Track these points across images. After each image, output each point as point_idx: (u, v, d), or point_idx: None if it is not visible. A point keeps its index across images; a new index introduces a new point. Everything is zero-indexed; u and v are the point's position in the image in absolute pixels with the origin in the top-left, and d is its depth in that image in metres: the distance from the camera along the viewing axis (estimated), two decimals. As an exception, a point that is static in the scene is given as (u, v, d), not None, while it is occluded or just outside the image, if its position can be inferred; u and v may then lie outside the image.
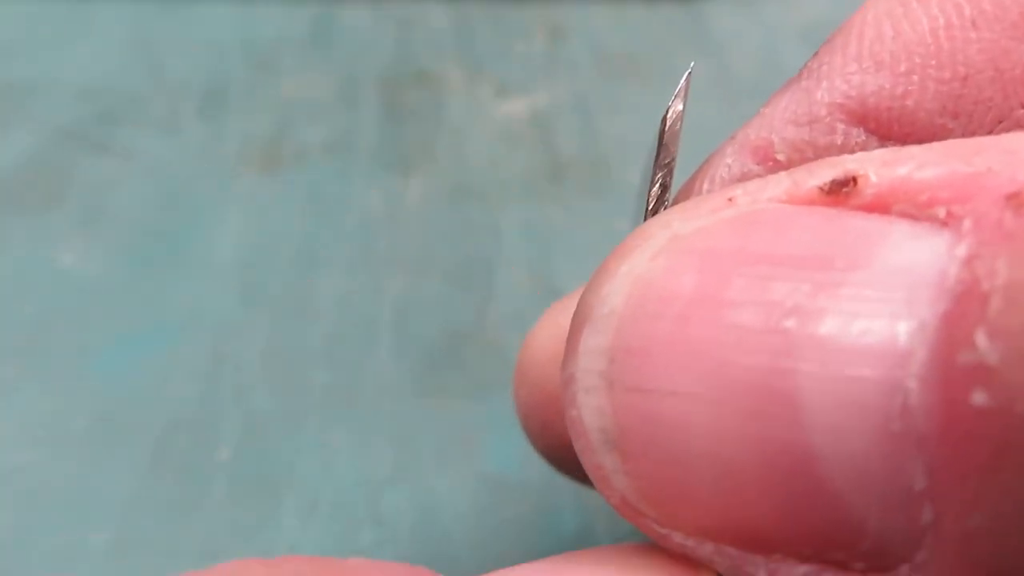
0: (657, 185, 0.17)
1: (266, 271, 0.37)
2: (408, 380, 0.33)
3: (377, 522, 0.29)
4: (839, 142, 0.16)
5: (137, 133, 0.45)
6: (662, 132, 0.17)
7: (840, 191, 0.13)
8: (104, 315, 0.35)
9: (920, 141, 0.15)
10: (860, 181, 0.13)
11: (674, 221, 0.14)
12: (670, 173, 0.17)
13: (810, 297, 0.12)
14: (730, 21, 0.54)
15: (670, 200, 0.17)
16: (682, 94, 0.18)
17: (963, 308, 0.11)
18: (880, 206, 0.13)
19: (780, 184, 0.14)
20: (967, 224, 0.12)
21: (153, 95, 0.47)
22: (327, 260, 0.38)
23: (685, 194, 0.17)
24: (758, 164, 0.16)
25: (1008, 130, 0.15)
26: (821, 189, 0.13)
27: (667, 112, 0.17)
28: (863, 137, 0.15)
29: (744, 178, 0.16)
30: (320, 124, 0.46)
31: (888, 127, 0.15)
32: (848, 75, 0.16)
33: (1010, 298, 0.11)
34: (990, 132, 0.15)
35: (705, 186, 0.16)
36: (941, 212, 0.12)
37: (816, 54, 0.17)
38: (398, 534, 0.29)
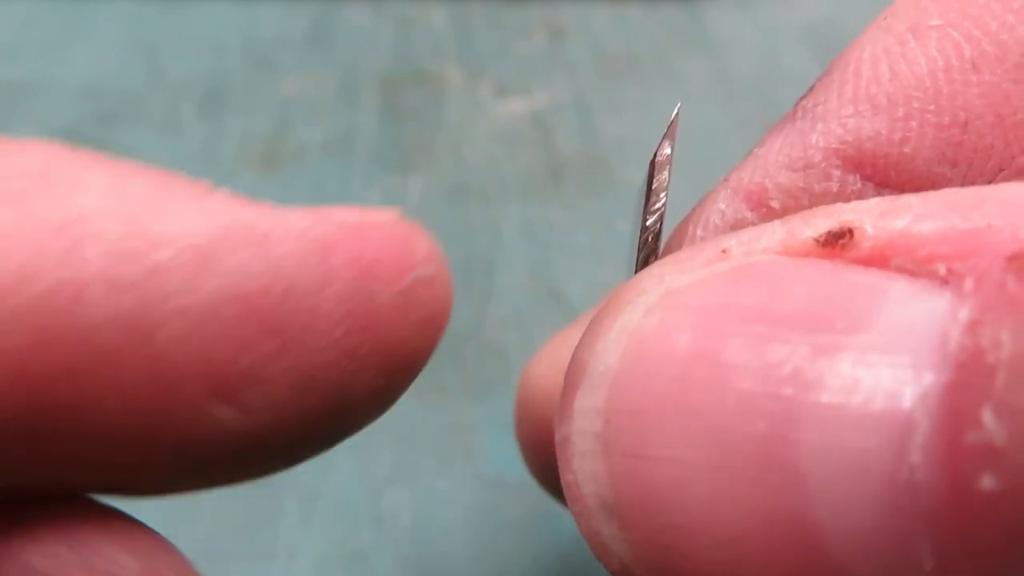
0: (648, 232, 0.16)
1: (266, 271, 0.37)
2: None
3: (377, 522, 0.29)
4: (835, 189, 0.15)
5: (137, 133, 0.45)
6: (650, 177, 0.17)
7: (836, 243, 0.13)
8: (104, 315, 0.35)
9: (918, 189, 0.14)
10: (856, 233, 0.12)
11: (667, 274, 0.14)
12: (661, 219, 0.16)
13: (810, 361, 0.12)
14: (730, 21, 0.54)
15: (662, 245, 0.17)
16: (671, 137, 0.17)
17: (968, 379, 0.11)
18: (878, 260, 0.12)
19: (775, 234, 0.13)
20: (968, 284, 0.11)
21: (153, 95, 0.47)
22: (327, 260, 0.38)
23: (678, 237, 0.16)
24: (752, 210, 0.15)
25: (1009, 179, 0.14)
26: (817, 240, 0.13)
27: (655, 156, 0.17)
28: (859, 184, 0.15)
29: (738, 225, 0.15)
30: (320, 124, 0.46)
31: (885, 174, 0.15)
32: (844, 118, 0.15)
33: (1017, 373, 0.10)
34: (990, 181, 0.14)
35: (699, 231, 0.16)
36: (941, 269, 0.11)
37: (811, 90, 0.16)
38: (398, 534, 0.29)
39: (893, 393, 0.11)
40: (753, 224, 0.15)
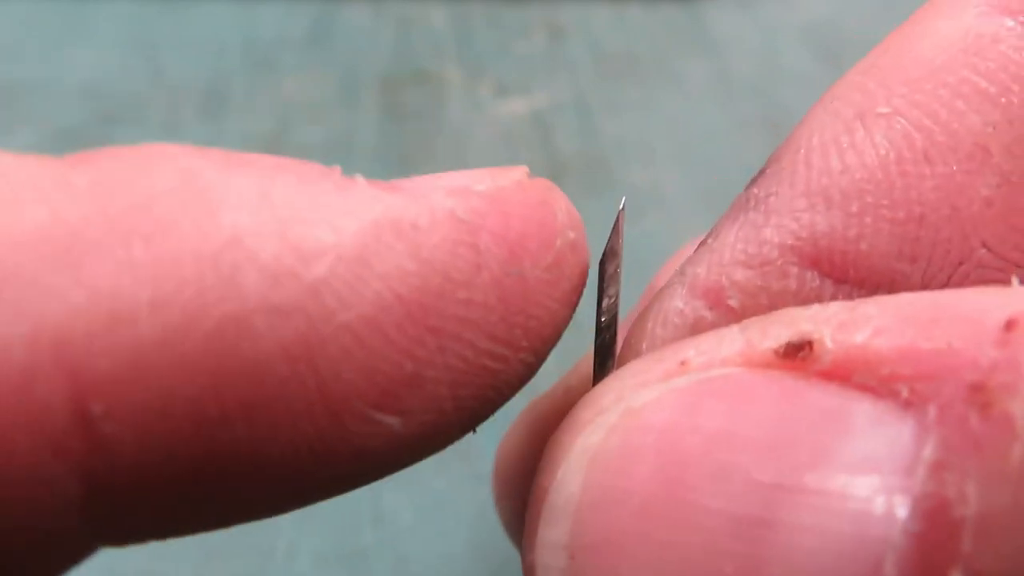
0: (603, 332, 0.16)
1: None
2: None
3: (377, 522, 0.29)
4: (793, 287, 0.15)
5: (137, 133, 0.45)
6: (601, 274, 0.16)
7: (796, 355, 0.12)
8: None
9: (877, 286, 0.14)
10: (816, 345, 0.12)
11: (627, 389, 0.13)
12: (614, 317, 0.16)
13: (774, 499, 0.11)
14: (730, 21, 0.54)
15: (618, 341, 0.16)
16: (617, 232, 0.16)
17: (935, 537, 0.10)
18: (840, 374, 0.12)
19: (733, 343, 0.13)
20: (932, 412, 0.11)
21: (153, 95, 0.47)
22: (327, 260, 0.38)
23: (636, 331, 0.16)
24: (711, 308, 0.15)
25: (969, 273, 0.14)
26: (776, 352, 0.12)
27: (604, 255, 0.16)
28: (817, 282, 0.14)
29: (697, 324, 0.15)
30: (320, 124, 0.46)
31: (843, 270, 0.14)
32: (797, 212, 0.14)
33: (984, 533, 0.10)
34: (951, 276, 0.14)
35: (657, 329, 0.15)
36: (903, 391, 0.11)
37: (762, 174, 0.16)
38: (398, 534, 0.29)
39: (861, 538, 0.11)
40: (713, 323, 0.15)
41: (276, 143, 0.44)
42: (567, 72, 0.50)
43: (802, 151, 0.15)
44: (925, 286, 0.14)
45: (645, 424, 0.13)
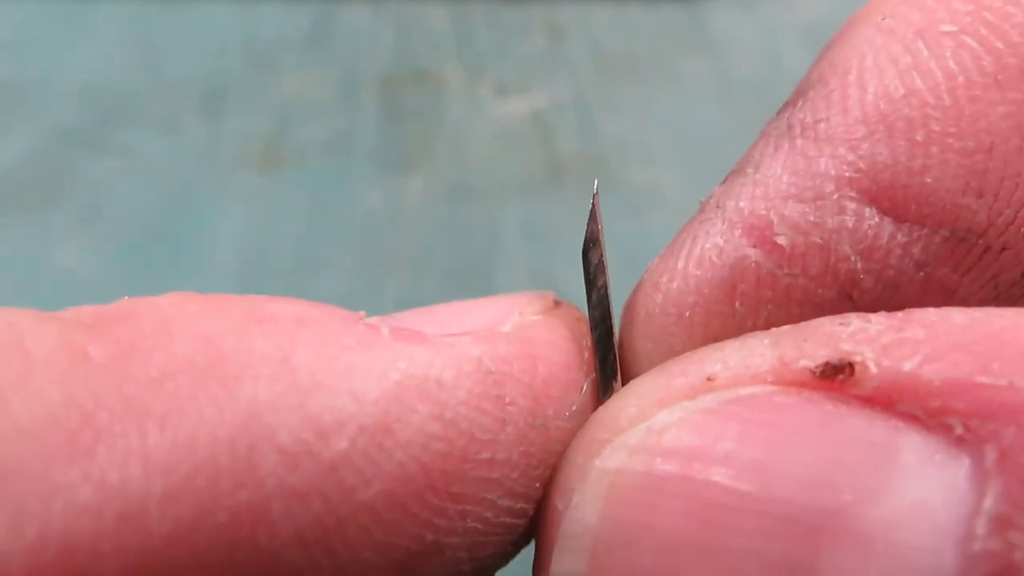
0: (596, 319, 0.15)
1: (266, 271, 0.37)
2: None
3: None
4: (850, 224, 0.13)
5: (137, 133, 0.45)
6: (585, 262, 0.15)
7: (835, 377, 0.11)
8: (104, 315, 0.35)
9: (940, 224, 0.13)
10: (858, 369, 0.11)
11: (647, 408, 0.12)
12: (606, 300, 0.15)
13: (814, 546, 0.10)
14: (730, 21, 0.54)
15: (616, 315, 0.15)
16: (595, 219, 0.15)
17: None
18: (882, 401, 0.11)
19: (764, 359, 0.12)
20: (991, 456, 0.10)
21: (153, 95, 0.47)
22: (327, 260, 0.38)
23: (663, 271, 0.14)
24: (755, 246, 0.13)
25: None
26: (813, 372, 0.11)
27: (585, 244, 0.15)
28: (876, 219, 0.13)
29: (740, 264, 0.13)
30: (320, 124, 0.46)
31: (905, 207, 0.13)
32: (855, 141, 0.13)
33: None
34: (1018, 212, 0.13)
35: (692, 269, 0.14)
36: (957, 427, 0.10)
37: (805, 97, 0.14)
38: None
39: None
40: (758, 263, 0.13)
41: (276, 143, 0.44)
42: (567, 72, 0.50)
43: (854, 72, 0.14)
44: (991, 223, 0.13)
45: (669, 449, 0.11)
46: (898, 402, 0.11)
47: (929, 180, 0.13)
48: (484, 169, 0.43)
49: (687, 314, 0.14)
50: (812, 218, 0.13)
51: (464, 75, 0.49)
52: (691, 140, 0.44)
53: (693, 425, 0.11)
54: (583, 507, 0.12)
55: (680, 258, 0.14)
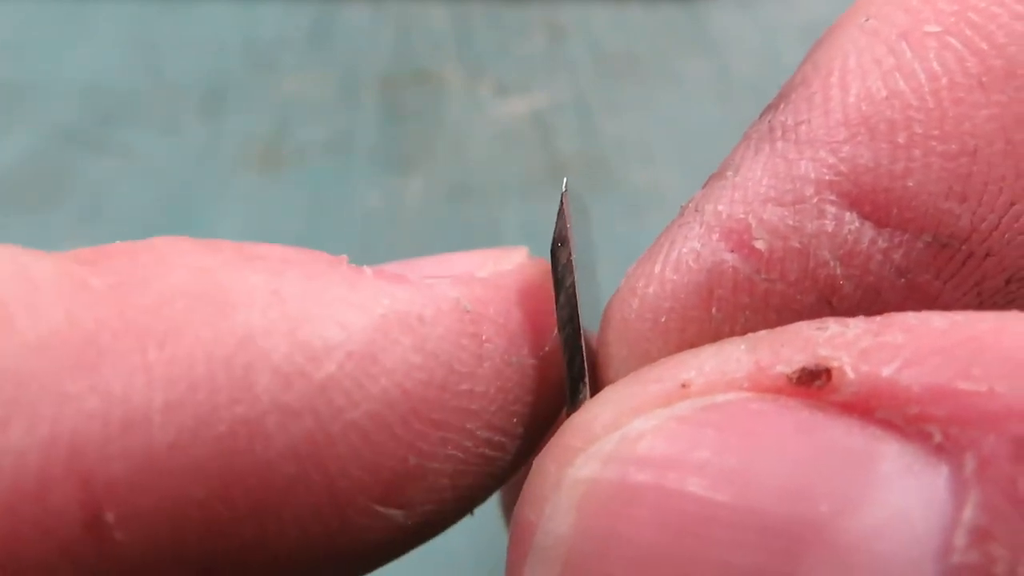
0: (563, 318, 0.14)
1: (266, 271, 0.37)
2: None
3: (377, 522, 0.29)
4: (829, 229, 0.13)
5: (137, 133, 0.45)
6: (554, 266, 0.15)
7: (812, 383, 0.11)
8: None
9: (923, 229, 0.13)
10: (835, 375, 0.11)
11: (621, 416, 0.12)
12: (574, 298, 0.15)
13: (793, 557, 0.10)
14: (730, 21, 0.54)
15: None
16: (564, 215, 0.15)
17: None
18: (860, 408, 0.11)
19: (740, 364, 0.12)
20: (970, 465, 0.10)
21: (153, 95, 0.47)
22: (327, 260, 0.38)
23: (640, 275, 0.14)
24: (733, 251, 0.13)
25: (1020, 215, 0.12)
26: (789, 378, 0.11)
27: (553, 243, 0.15)
28: (856, 224, 0.13)
29: (717, 269, 0.13)
30: (320, 124, 0.46)
31: (886, 212, 0.13)
32: (836, 144, 0.13)
33: None
34: (1002, 218, 0.12)
35: (668, 274, 0.14)
36: (936, 435, 0.10)
37: (787, 99, 0.14)
38: (398, 534, 0.29)
39: None
40: (735, 268, 0.13)
41: (276, 143, 0.44)
42: (567, 72, 0.50)
43: (836, 74, 0.13)
44: (974, 229, 0.12)
45: (643, 458, 0.11)
46: (876, 409, 0.10)
47: (911, 184, 0.13)
48: (484, 169, 0.43)
49: (663, 319, 0.14)
50: (791, 222, 0.13)
51: (464, 75, 0.49)
52: (691, 140, 0.44)
53: (667, 433, 0.11)
54: (556, 518, 0.12)
55: (657, 262, 0.14)
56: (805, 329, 0.12)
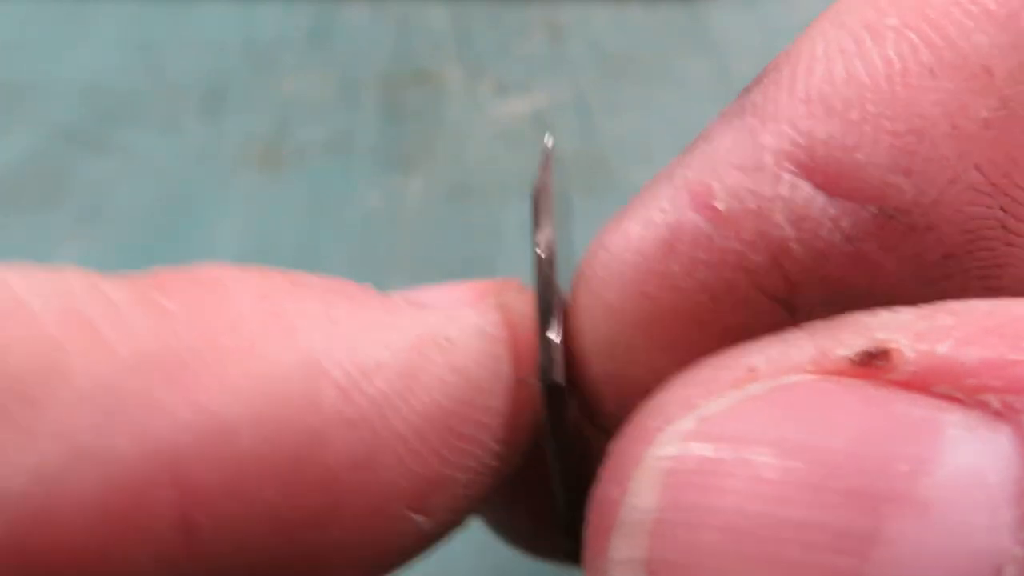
0: (542, 266, 0.16)
1: (266, 271, 0.37)
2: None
3: (377, 522, 0.29)
4: (784, 194, 0.14)
5: (137, 133, 0.45)
6: (535, 207, 0.16)
7: (872, 363, 0.12)
8: (104, 315, 0.35)
9: (869, 199, 0.14)
10: (894, 356, 0.12)
11: (694, 397, 0.13)
12: (551, 247, 0.16)
13: (875, 513, 0.11)
14: (730, 21, 0.54)
15: (560, 273, 0.16)
16: (546, 166, 0.16)
17: None
18: (919, 385, 0.11)
19: (803, 351, 0.13)
20: None
21: (153, 95, 0.47)
22: (327, 260, 0.38)
23: (612, 229, 0.16)
24: (696, 211, 0.14)
25: (959, 193, 0.13)
26: (851, 360, 0.12)
27: (534, 191, 0.16)
28: (809, 191, 0.14)
29: (679, 225, 0.14)
30: (320, 124, 0.46)
31: (836, 181, 0.14)
32: (796, 118, 0.14)
33: None
34: (941, 192, 0.14)
35: (635, 228, 0.15)
36: (994, 402, 0.11)
37: (760, 83, 0.15)
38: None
39: (973, 552, 0.10)
40: (696, 225, 0.14)
41: (276, 143, 0.44)
42: (567, 72, 0.50)
43: (804, 59, 0.15)
44: (916, 203, 0.14)
45: (724, 434, 0.12)
46: (935, 384, 0.11)
47: (860, 157, 0.14)
48: (484, 169, 0.43)
49: (625, 270, 0.15)
50: (750, 186, 0.14)
51: (464, 75, 0.49)
52: (691, 140, 0.44)
53: (743, 411, 0.12)
54: (640, 494, 0.12)
55: (626, 218, 0.15)
56: (860, 317, 0.13)
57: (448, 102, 0.47)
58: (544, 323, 0.16)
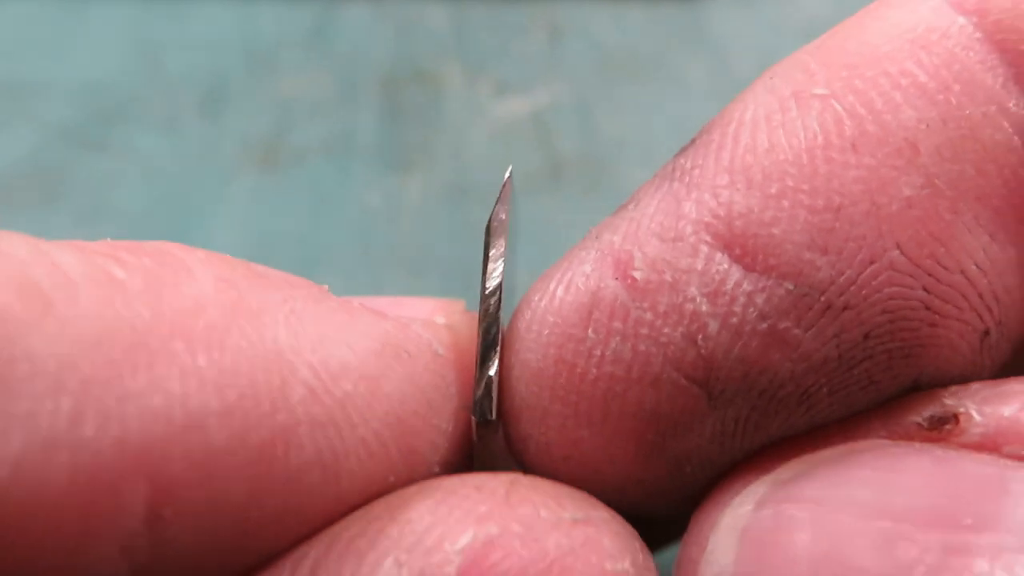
0: (488, 301, 0.16)
1: (266, 271, 0.37)
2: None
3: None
4: (699, 267, 0.14)
5: (137, 132, 0.45)
6: (487, 243, 0.16)
7: (942, 428, 0.12)
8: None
9: (785, 276, 0.13)
10: (962, 419, 0.12)
11: (770, 463, 0.13)
12: (499, 287, 0.16)
13: (942, 563, 0.11)
14: (730, 21, 0.54)
15: (503, 301, 0.16)
16: (503, 201, 0.16)
17: None
18: (988, 446, 0.12)
19: (873, 417, 0.13)
20: None
21: (153, 95, 0.47)
22: (327, 260, 0.38)
23: (539, 288, 0.16)
24: (616, 279, 0.14)
25: (878, 274, 0.13)
26: (920, 425, 0.13)
27: (489, 221, 0.16)
28: (726, 264, 0.14)
29: (599, 292, 0.14)
30: (320, 123, 0.46)
31: (753, 256, 0.14)
32: (717, 189, 0.14)
33: None
34: (860, 274, 0.13)
35: (559, 291, 0.15)
36: None
37: (692, 144, 0.15)
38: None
39: None
40: (614, 293, 0.14)
41: (276, 143, 0.44)
42: (567, 72, 0.50)
43: (733, 125, 0.15)
44: (833, 282, 0.13)
45: (798, 495, 0.12)
46: (1003, 445, 0.12)
47: (777, 232, 0.13)
48: (484, 169, 0.43)
49: (545, 332, 0.15)
50: (668, 257, 0.14)
51: (464, 75, 0.49)
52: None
53: (817, 474, 0.12)
54: (718, 551, 0.13)
55: (553, 279, 0.15)
56: (931, 390, 0.13)
57: (448, 102, 0.47)
58: (485, 358, 0.16)
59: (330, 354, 0.14)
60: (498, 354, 0.16)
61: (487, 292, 0.16)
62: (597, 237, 0.15)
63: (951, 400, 0.13)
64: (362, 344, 0.14)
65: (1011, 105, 0.14)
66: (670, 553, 0.21)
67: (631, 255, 0.14)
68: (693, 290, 0.14)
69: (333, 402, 0.13)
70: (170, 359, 0.12)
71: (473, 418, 0.16)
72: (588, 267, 0.15)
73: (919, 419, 0.13)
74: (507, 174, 0.17)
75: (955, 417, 0.12)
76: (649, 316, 0.14)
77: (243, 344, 0.13)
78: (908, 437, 0.13)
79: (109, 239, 0.14)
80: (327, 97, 0.47)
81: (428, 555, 0.12)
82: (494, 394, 0.16)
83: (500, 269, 0.16)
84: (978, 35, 0.14)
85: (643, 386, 0.14)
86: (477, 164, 0.43)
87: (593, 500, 0.14)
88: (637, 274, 0.14)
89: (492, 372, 0.15)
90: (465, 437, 0.16)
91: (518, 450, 0.16)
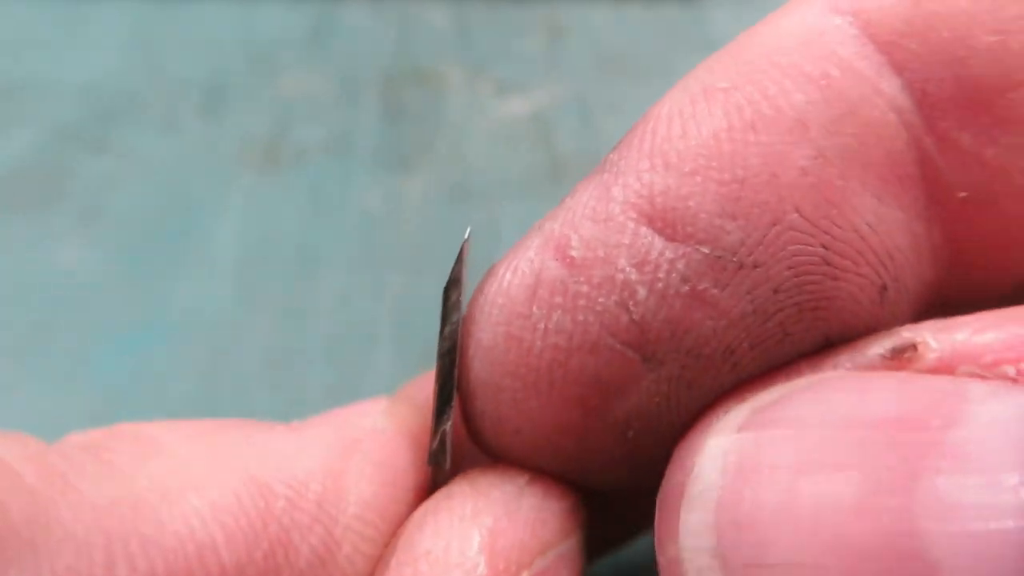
0: (444, 355, 0.17)
1: (266, 271, 0.37)
2: (408, 380, 0.33)
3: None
4: (627, 241, 0.16)
5: (137, 132, 0.45)
6: (445, 299, 0.18)
7: (901, 356, 0.14)
8: (103, 315, 0.35)
9: (701, 242, 0.15)
10: (920, 347, 0.14)
11: (748, 392, 0.15)
12: (454, 338, 0.17)
13: (919, 459, 0.12)
14: (730, 21, 0.54)
15: (456, 370, 0.18)
16: (462, 261, 0.18)
17: None
18: (944, 368, 0.13)
19: (839, 354, 0.15)
20: None
21: (153, 95, 0.47)
22: (327, 260, 0.38)
23: (488, 276, 0.17)
24: (555, 260, 0.16)
25: (781, 233, 0.15)
26: (883, 356, 0.14)
27: (448, 283, 0.18)
28: (650, 237, 0.16)
29: (542, 273, 0.16)
30: (320, 123, 0.46)
31: (673, 227, 0.16)
32: (640, 172, 0.16)
33: None
34: (766, 234, 0.15)
35: (507, 275, 0.17)
36: (1010, 371, 0.13)
37: (620, 143, 0.17)
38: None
39: (1007, 479, 0.11)
40: (555, 273, 0.16)
41: (276, 143, 0.44)
42: (567, 72, 0.50)
43: (652, 121, 0.16)
44: (742, 244, 0.15)
45: (778, 416, 0.14)
46: (958, 366, 0.13)
47: (692, 204, 0.15)
48: (484, 169, 0.43)
49: (495, 313, 0.17)
50: (600, 235, 0.16)
51: (464, 75, 0.49)
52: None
53: (790, 400, 0.14)
54: (704, 470, 0.14)
55: (502, 267, 0.17)
56: (890, 329, 0.15)
57: (448, 102, 0.47)
58: (440, 412, 0.17)
59: (293, 466, 0.16)
60: (453, 409, 0.17)
61: (443, 352, 0.17)
62: (540, 227, 0.17)
63: (909, 333, 0.14)
64: (316, 449, 0.16)
65: (884, 87, 0.16)
66: (635, 548, 0.21)
67: (568, 238, 0.16)
68: (623, 262, 0.16)
69: (310, 504, 0.16)
70: (171, 509, 0.14)
71: (431, 468, 0.18)
72: (532, 252, 0.17)
73: (882, 350, 0.14)
74: (466, 235, 0.18)
75: (913, 346, 0.14)
76: (585, 288, 0.16)
77: (223, 481, 0.15)
78: (872, 368, 0.14)
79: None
80: (327, 97, 0.47)
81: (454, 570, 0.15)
82: (448, 446, 0.17)
83: (457, 329, 0.17)
84: (853, 32, 0.16)
85: (583, 353, 0.16)
86: (477, 164, 0.43)
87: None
88: (574, 253, 0.16)
89: (447, 426, 0.17)
90: (427, 481, 0.18)
91: (474, 428, 0.18)
